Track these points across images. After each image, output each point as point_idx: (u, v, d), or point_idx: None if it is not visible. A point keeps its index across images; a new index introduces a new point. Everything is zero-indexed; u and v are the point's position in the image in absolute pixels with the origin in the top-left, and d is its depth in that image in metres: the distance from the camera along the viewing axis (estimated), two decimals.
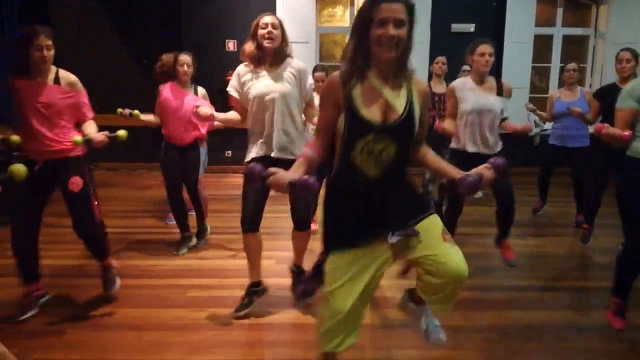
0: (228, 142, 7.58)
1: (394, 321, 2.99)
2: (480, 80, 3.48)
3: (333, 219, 1.92)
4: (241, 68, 2.95)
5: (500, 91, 3.48)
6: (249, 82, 2.89)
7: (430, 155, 2.03)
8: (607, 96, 4.08)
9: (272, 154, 2.84)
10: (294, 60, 2.94)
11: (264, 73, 2.87)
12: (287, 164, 2.17)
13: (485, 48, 3.39)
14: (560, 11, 7.84)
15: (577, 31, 7.92)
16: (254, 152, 2.90)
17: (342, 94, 1.82)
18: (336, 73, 1.87)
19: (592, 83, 7.90)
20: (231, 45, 7.54)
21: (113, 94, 7.41)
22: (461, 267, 1.83)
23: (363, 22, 1.77)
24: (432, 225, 1.89)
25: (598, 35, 7.78)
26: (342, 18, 7.96)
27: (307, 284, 2.67)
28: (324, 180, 1.99)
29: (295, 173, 1.78)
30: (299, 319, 3.02)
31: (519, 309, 3.19)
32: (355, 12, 7.83)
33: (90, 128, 2.98)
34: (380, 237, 1.85)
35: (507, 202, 3.53)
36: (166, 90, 4.07)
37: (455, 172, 1.91)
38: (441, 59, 5.38)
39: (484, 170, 1.87)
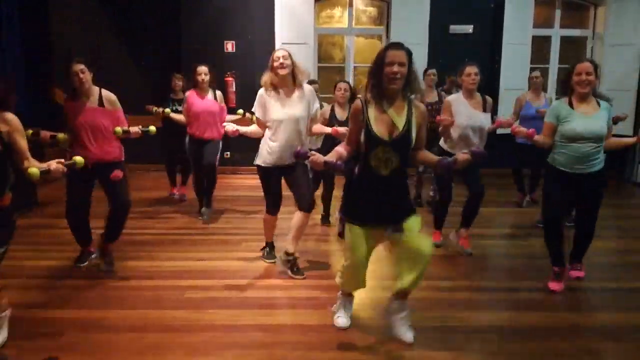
0: (227, 143, 7.58)
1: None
2: (469, 96, 4.08)
3: (354, 201, 2.69)
4: (262, 92, 3.57)
5: (485, 106, 4.08)
6: (269, 105, 3.53)
7: (422, 152, 2.70)
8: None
9: (279, 164, 3.57)
10: (306, 85, 3.61)
11: (281, 97, 3.52)
12: (289, 169, 3.58)
13: (471, 69, 4.01)
14: (558, 12, 7.85)
15: (575, 32, 7.94)
16: (264, 160, 3.60)
17: (362, 116, 2.57)
18: (358, 99, 2.64)
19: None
20: (229, 46, 7.54)
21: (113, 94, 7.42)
22: (426, 248, 2.60)
23: (377, 63, 2.53)
24: (414, 222, 2.64)
25: (596, 37, 7.80)
26: (341, 19, 7.96)
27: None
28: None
29: (329, 158, 2.55)
30: (297, 320, 3.02)
31: (519, 309, 3.19)
32: (354, 14, 7.89)
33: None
34: (380, 226, 2.60)
35: (478, 193, 4.04)
36: (191, 96, 5.00)
37: (436, 158, 2.67)
38: (432, 71, 5.61)
39: (459, 154, 2.60)
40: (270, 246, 4.01)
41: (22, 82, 3.02)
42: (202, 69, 4.93)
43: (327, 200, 5.00)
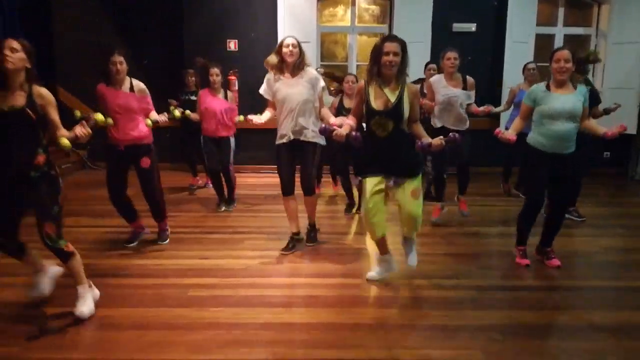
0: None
1: (396, 321, 3.00)
2: (449, 77, 4.71)
3: (363, 160, 3.37)
4: (270, 75, 4.01)
5: (465, 85, 4.70)
6: (277, 86, 3.96)
7: (416, 127, 3.33)
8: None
9: (292, 138, 3.99)
10: (310, 69, 4.01)
11: (286, 79, 3.94)
12: (299, 146, 4.03)
13: (451, 54, 4.62)
14: (561, 10, 7.83)
15: (579, 31, 7.91)
16: (280, 137, 4.04)
17: (364, 93, 3.27)
18: (362, 81, 3.32)
19: (593, 82, 7.88)
20: (232, 45, 7.54)
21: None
22: (414, 211, 3.28)
23: (376, 52, 3.18)
24: (411, 182, 3.27)
25: (599, 35, 7.77)
26: (343, 18, 7.96)
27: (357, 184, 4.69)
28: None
29: (346, 130, 3.22)
30: (299, 319, 3.02)
31: (520, 308, 3.19)
32: (356, 12, 7.87)
33: (154, 115, 4.12)
34: (385, 177, 3.29)
35: (462, 163, 4.90)
36: (204, 95, 5.36)
37: (422, 135, 3.30)
38: (432, 65, 5.76)
39: (436, 139, 3.22)
40: (295, 239, 4.25)
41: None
42: (215, 70, 5.28)
43: (348, 189, 5.40)
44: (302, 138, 3.99)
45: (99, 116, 3.53)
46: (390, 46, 3.11)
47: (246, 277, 3.63)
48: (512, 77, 7.40)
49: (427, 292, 3.33)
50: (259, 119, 3.96)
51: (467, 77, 4.74)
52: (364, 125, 3.35)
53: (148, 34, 7.72)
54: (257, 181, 7.09)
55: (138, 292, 3.35)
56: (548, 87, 3.61)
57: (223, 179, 5.53)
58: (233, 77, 7.39)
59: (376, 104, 3.19)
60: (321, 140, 4.06)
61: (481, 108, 4.72)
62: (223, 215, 5.27)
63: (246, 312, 3.08)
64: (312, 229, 4.36)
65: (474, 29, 7.47)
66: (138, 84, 4.09)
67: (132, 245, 4.26)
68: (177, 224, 4.89)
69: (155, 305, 3.16)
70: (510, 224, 5.15)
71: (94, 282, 3.27)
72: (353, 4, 7.79)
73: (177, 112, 4.29)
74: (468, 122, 4.81)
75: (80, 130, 2.88)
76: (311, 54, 7.35)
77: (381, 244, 3.47)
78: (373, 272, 3.55)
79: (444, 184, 4.99)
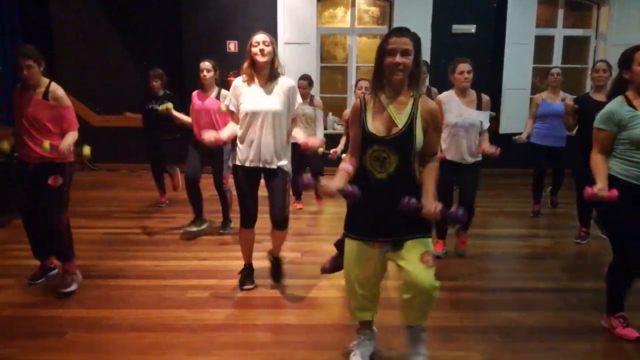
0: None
1: (395, 323, 2.99)
2: (462, 94, 3.83)
3: (350, 211, 2.40)
4: (237, 81, 3.20)
5: (479, 104, 3.81)
6: (243, 95, 3.13)
7: (430, 167, 2.32)
8: (580, 105, 4.30)
9: (258, 165, 3.13)
10: (284, 77, 3.18)
11: (257, 88, 3.12)
12: (268, 173, 3.14)
13: (464, 67, 3.74)
14: (561, 12, 7.84)
15: (578, 32, 7.92)
16: (240, 159, 3.18)
17: (360, 114, 2.27)
18: (357, 99, 2.35)
19: (592, 84, 7.88)
20: (232, 46, 7.54)
21: (114, 94, 7.44)
22: (425, 283, 2.19)
23: (379, 53, 2.21)
24: (418, 244, 2.25)
25: (599, 37, 7.78)
26: (343, 19, 7.96)
27: (335, 260, 3.10)
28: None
29: (339, 182, 2.25)
30: (298, 320, 3.02)
31: (520, 309, 3.18)
32: (356, 13, 7.89)
33: (67, 138, 3.21)
34: (378, 241, 2.29)
35: (467, 202, 3.78)
36: (194, 96, 4.62)
37: (423, 198, 2.21)
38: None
39: (430, 206, 2.14)
40: (248, 269, 3.47)
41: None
42: (204, 64, 4.48)
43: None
44: (270, 166, 3.13)
45: (86, 150, 3.19)
46: (397, 42, 2.15)
47: None
48: (511, 78, 7.42)
49: None
50: (213, 136, 3.08)
51: (482, 94, 3.87)
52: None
53: (148, 35, 7.72)
54: None
55: (137, 294, 3.34)
56: (630, 104, 2.70)
57: (216, 192, 4.70)
58: (233, 79, 7.38)
59: (375, 126, 2.22)
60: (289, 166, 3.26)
61: (490, 149, 3.79)
62: (220, 216, 5.23)
63: (245, 314, 3.08)
64: (278, 262, 3.54)
65: (473, 30, 7.48)
66: (55, 90, 3.22)
67: (38, 282, 3.46)
68: (174, 225, 4.88)
69: (154, 307, 3.15)
70: (509, 225, 5.16)
71: (93, 283, 3.27)
72: (353, 5, 7.80)
73: (86, 150, 3.27)
74: (480, 156, 3.89)
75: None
76: (311, 55, 7.39)
77: (364, 324, 2.55)
78: (356, 356, 2.52)
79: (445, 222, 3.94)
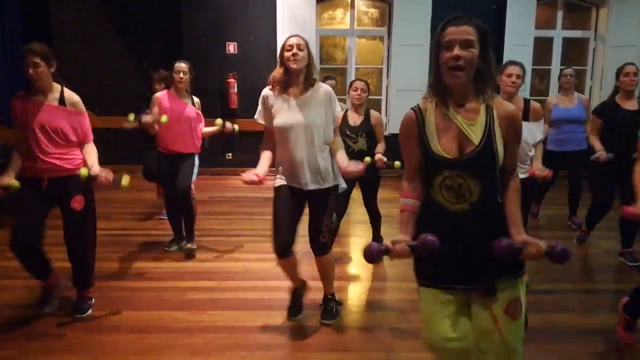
0: (229, 144, 7.59)
1: (395, 324, 2.99)
2: (507, 101, 3.35)
3: (422, 257, 1.70)
4: (267, 92, 2.80)
5: (526, 114, 3.24)
6: (275, 108, 2.77)
7: (507, 191, 1.76)
8: (607, 114, 4.01)
9: (304, 188, 2.76)
10: (321, 84, 2.81)
11: (290, 99, 2.74)
12: (319, 194, 2.73)
13: (513, 69, 3.25)
14: (560, 14, 7.85)
15: (577, 34, 7.93)
16: (282, 180, 2.82)
17: (417, 130, 1.75)
18: (411, 110, 1.79)
19: (592, 85, 7.91)
20: (231, 47, 7.55)
21: (114, 95, 7.43)
22: (510, 342, 1.72)
23: (435, 48, 1.73)
24: (507, 289, 1.72)
25: (598, 38, 7.79)
26: (343, 20, 7.96)
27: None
28: None
29: (406, 232, 1.73)
30: (299, 321, 3.02)
31: None
32: (355, 15, 7.88)
33: (92, 156, 2.97)
34: (464, 288, 1.74)
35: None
36: (163, 98, 4.03)
37: (512, 231, 1.70)
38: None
39: (534, 243, 1.61)
40: (297, 294, 3.11)
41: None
42: (181, 66, 4.00)
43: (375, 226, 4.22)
44: (320, 187, 2.76)
45: (126, 180, 2.83)
46: (455, 32, 1.68)
47: (245, 280, 3.62)
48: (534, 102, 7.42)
49: None
50: (255, 174, 2.65)
51: (532, 102, 3.30)
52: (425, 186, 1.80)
53: (148, 35, 7.72)
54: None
55: (136, 295, 3.34)
56: None
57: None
58: (232, 80, 7.40)
59: (443, 145, 1.70)
60: (342, 183, 2.92)
61: (541, 172, 3.18)
62: (220, 218, 5.25)
63: (245, 315, 3.08)
64: (331, 301, 3.08)
65: None
66: (71, 96, 2.95)
67: (49, 309, 3.08)
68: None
69: (153, 309, 3.15)
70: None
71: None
72: (352, 6, 7.81)
73: (125, 181, 2.85)
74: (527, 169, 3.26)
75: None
76: None
77: None
78: None
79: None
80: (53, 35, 7.66)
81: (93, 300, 3.13)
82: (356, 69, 7.89)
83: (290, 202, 2.78)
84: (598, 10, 7.79)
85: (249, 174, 2.64)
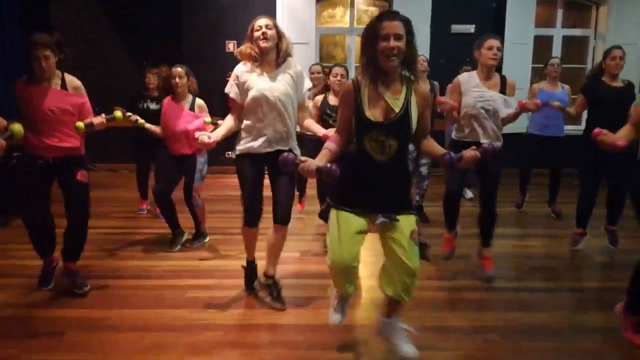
0: (229, 142, 7.57)
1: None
2: (486, 76, 3.52)
3: (343, 185, 2.28)
4: (240, 68, 3.07)
5: (503, 88, 3.51)
6: (249, 81, 3.01)
7: (427, 143, 2.41)
8: (593, 91, 4.14)
9: (263, 150, 3.00)
10: (293, 61, 3.07)
11: (262, 73, 3.00)
12: (275, 156, 2.65)
13: (493, 42, 3.46)
14: (560, 12, 7.85)
15: (577, 32, 7.93)
16: (245, 146, 3.05)
17: (353, 97, 2.25)
18: (350, 81, 2.29)
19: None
20: (231, 46, 7.54)
21: (113, 94, 7.41)
22: (412, 262, 2.24)
23: (370, 37, 2.19)
24: (407, 221, 2.28)
25: (598, 36, 7.79)
26: (342, 19, 7.96)
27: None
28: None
29: (320, 161, 2.19)
30: (298, 320, 3.02)
31: (520, 309, 3.18)
32: (355, 13, 7.88)
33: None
34: (370, 213, 2.28)
35: (486, 200, 3.54)
36: (166, 104, 4.19)
37: (440, 151, 2.34)
38: (421, 56, 4.63)
39: (467, 151, 2.23)
40: (250, 267, 3.34)
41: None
42: (177, 70, 4.08)
43: (324, 194, 4.37)
44: (275, 148, 2.98)
45: (118, 114, 3.38)
46: (390, 26, 2.15)
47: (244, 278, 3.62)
48: (510, 78, 7.38)
49: (424, 294, 3.31)
50: (209, 137, 2.88)
51: (507, 78, 3.62)
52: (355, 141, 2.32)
53: (147, 34, 7.72)
54: None
55: (136, 294, 3.34)
56: None
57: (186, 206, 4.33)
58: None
59: (372, 113, 2.21)
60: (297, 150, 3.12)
61: (530, 104, 3.54)
62: (220, 216, 5.25)
63: (244, 314, 3.08)
64: (275, 283, 3.20)
65: (472, 30, 7.48)
66: (72, 80, 3.25)
67: (48, 287, 3.35)
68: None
69: (153, 307, 3.15)
70: (508, 225, 5.16)
71: (91, 283, 3.27)
72: (352, 5, 7.81)
73: (118, 113, 3.33)
74: (502, 139, 3.58)
75: (99, 120, 3.11)
76: (310, 55, 7.37)
77: (345, 299, 2.53)
78: (335, 314, 2.54)
79: (457, 206, 3.77)
80: (53, 37, 7.65)
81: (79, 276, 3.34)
82: (356, 67, 7.89)
83: (253, 170, 3.05)
84: (598, 9, 7.79)
85: (204, 136, 2.87)
